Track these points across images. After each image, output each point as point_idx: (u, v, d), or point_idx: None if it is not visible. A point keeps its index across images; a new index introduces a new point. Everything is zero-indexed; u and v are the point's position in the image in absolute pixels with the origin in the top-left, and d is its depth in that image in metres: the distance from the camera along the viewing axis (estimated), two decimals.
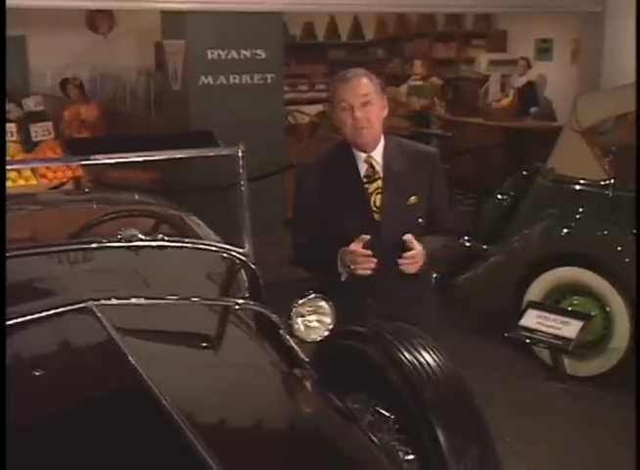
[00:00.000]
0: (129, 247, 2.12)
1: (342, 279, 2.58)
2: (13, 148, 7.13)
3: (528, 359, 4.69)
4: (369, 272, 2.52)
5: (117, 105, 9.31)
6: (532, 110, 9.37)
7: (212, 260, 2.45)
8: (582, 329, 4.28)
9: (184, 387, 1.76)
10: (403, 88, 10.25)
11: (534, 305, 4.47)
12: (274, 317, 2.16)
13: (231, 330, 2.23)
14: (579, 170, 4.47)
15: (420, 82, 10.36)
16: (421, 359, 2.01)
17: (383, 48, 12.44)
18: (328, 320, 2.16)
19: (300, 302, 2.14)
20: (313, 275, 2.82)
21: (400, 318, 2.52)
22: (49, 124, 7.59)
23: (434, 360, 2.03)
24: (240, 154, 2.49)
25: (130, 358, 1.72)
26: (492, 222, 5.12)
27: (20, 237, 2.53)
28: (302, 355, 2.15)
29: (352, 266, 2.52)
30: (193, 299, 2.09)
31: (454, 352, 4.54)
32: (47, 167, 6.86)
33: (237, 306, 2.14)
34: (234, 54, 7.03)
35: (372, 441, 1.88)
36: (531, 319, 4.41)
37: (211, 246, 2.42)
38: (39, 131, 7.46)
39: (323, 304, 2.17)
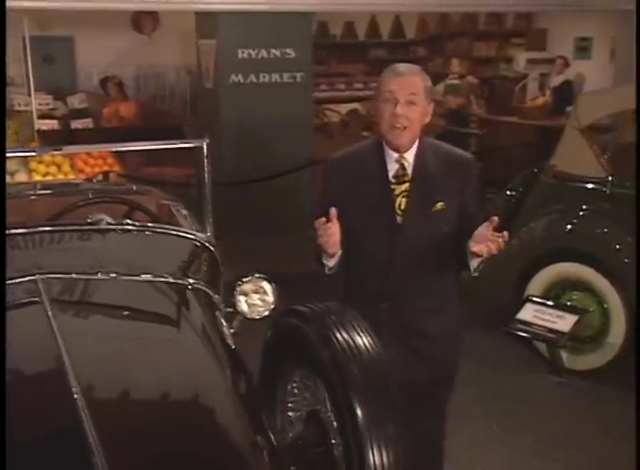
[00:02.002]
0: (94, 230, 2.32)
1: (327, 273, 2.48)
2: None
3: (531, 353, 4.76)
4: (329, 246, 2.38)
5: (158, 103, 9.61)
6: (568, 109, 9.30)
7: (180, 246, 2.60)
8: (577, 324, 4.35)
9: (96, 361, 1.89)
10: (440, 87, 10.28)
11: (532, 300, 4.55)
12: (216, 298, 2.30)
13: (171, 308, 2.33)
14: (579, 168, 4.52)
15: (457, 81, 10.39)
16: (349, 341, 2.10)
17: (424, 47, 12.46)
18: (270, 300, 2.30)
19: (245, 280, 2.28)
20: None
21: (417, 326, 2.57)
22: (89, 121, 7.98)
23: (363, 343, 2.11)
24: (205, 146, 2.63)
25: (55, 330, 1.86)
26: (499, 218, 5.18)
27: (15, 221, 2.73)
28: (230, 341, 2.25)
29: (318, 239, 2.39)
30: (127, 275, 2.21)
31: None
32: (85, 162, 7.20)
33: (174, 283, 2.26)
34: (264, 53, 7.19)
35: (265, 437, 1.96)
36: (528, 313, 4.49)
37: (174, 230, 2.59)
38: (79, 127, 7.83)
39: (266, 284, 2.31)
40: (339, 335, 2.13)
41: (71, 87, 9.80)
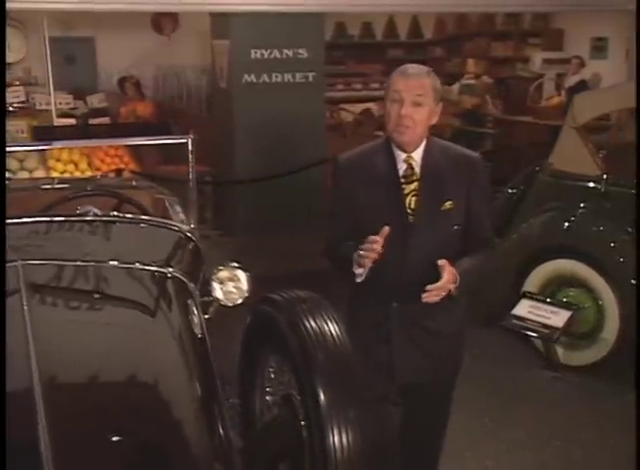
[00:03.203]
0: (82, 221, 2.44)
1: (358, 280, 2.50)
2: None
3: (527, 349, 4.81)
4: (369, 260, 2.41)
5: (176, 102, 9.76)
6: None
7: (164, 237, 2.70)
8: (570, 319, 4.41)
9: (62, 347, 1.99)
10: (455, 87, 10.35)
11: (528, 295, 4.62)
12: (191, 286, 2.40)
13: (145, 296, 2.40)
14: (575, 166, 4.57)
15: (472, 81, 10.43)
16: (317, 328, 2.20)
17: (442, 47, 12.49)
18: (244, 288, 2.41)
19: (221, 268, 2.39)
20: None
21: (428, 325, 2.64)
22: (106, 119, 8.16)
23: (330, 331, 2.22)
24: (190, 142, 2.74)
25: (26, 314, 1.95)
26: (501, 215, 5.24)
27: (13, 214, 2.84)
28: (199, 330, 2.32)
29: (360, 253, 2.42)
30: (110, 263, 2.32)
31: None
32: (102, 160, 7.39)
33: (150, 271, 2.37)
34: (276, 53, 7.30)
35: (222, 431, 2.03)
36: (524, 308, 4.55)
37: (158, 222, 2.70)
38: (94, 124, 8.02)
39: (241, 273, 2.42)
40: (307, 323, 2.23)
41: (92, 87, 9.98)
